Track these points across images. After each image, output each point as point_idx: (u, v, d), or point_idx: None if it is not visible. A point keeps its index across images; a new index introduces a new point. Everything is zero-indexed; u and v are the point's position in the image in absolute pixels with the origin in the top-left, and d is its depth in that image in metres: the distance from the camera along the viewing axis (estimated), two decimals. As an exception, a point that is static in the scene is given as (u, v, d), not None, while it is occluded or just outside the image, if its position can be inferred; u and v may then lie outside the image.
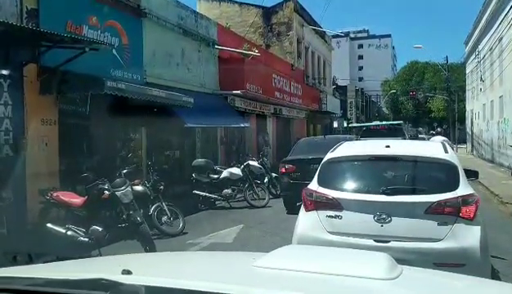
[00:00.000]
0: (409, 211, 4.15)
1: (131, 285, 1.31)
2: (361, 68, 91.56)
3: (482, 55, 25.27)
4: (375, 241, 4.07)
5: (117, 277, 1.34)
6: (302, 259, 1.75)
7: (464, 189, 4.21)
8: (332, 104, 29.89)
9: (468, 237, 3.99)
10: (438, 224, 4.01)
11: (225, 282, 1.40)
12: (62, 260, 2.13)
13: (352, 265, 1.67)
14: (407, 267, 1.76)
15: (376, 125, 24.56)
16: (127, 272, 1.38)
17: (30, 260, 2.18)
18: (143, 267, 1.73)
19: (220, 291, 1.28)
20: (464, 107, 36.19)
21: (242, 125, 15.29)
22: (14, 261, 2.17)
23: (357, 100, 44.58)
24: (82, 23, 8.94)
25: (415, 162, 4.56)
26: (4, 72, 7.02)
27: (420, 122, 61.56)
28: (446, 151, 4.67)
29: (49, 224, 6.51)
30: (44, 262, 2.06)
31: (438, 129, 31.63)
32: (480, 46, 25.81)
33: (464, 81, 35.48)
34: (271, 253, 1.75)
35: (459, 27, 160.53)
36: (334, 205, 4.32)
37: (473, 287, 1.77)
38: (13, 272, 1.61)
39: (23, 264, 2.10)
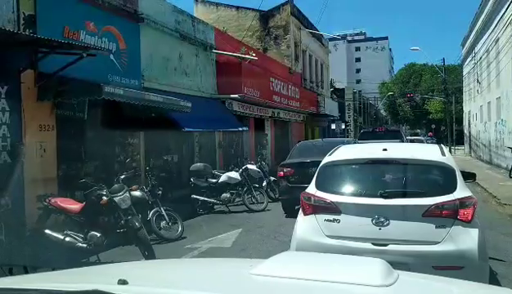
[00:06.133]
0: (407, 214, 4.16)
1: None
2: (358, 70, 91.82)
3: (478, 57, 25.34)
4: (373, 244, 4.08)
5: (112, 287, 1.33)
6: (298, 266, 1.75)
7: (461, 191, 4.22)
8: (330, 106, 29.97)
9: (466, 239, 3.99)
10: (436, 227, 4.02)
11: (222, 291, 1.40)
12: (58, 268, 2.12)
13: (349, 272, 1.67)
14: (404, 272, 1.76)
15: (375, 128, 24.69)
16: (122, 282, 1.37)
17: (26, 270, 2.17)
18: (139, 276, 1.73)
19: None
20: (462, 108, 36.24)
21: (240, 129, 15.29)
22: (10, 271, 2.16)
23: (354, 102, 44.66)
24: (79, 28, 8.95)
25: (412, 165, 4.58)
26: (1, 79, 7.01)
27: (418, 123, 61.66)
28: (443, 154, 4.68)
29: (47, 231, 6.50)
30: (39, 272, 2.05)
31: (442, 128, 32.01)
32: (477, 48, 25.88)
33: (462, 82, 35.55)
34: (269, 260, 1.75)
35: (456, 29, 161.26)
36: (333, 209, 4.32)
37: (470, 293, 1.77)
38: (8, 283, 1.60)
39: (19, 274, 2.09)
